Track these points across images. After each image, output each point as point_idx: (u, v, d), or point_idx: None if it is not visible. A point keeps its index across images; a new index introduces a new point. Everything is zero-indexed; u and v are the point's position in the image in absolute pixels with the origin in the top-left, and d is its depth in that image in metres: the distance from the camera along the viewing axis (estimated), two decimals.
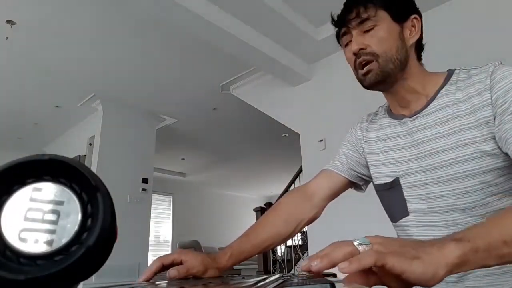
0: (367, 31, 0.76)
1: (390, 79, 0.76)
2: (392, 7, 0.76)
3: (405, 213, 0.79)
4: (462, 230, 0.50)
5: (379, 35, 0.75)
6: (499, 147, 0.67)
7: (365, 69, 0.76)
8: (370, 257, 0.40)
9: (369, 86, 0.78)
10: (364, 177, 0.92)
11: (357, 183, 0.93)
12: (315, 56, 3.71)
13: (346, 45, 0.81)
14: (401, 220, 0.80)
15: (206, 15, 2.77)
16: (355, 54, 0.77)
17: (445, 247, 0.44)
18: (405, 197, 0.78)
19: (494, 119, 0.67)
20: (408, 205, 0.78)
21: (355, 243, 0.44)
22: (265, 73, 3.99)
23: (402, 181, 0.79)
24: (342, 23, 0.79)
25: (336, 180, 0.91)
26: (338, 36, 0.84)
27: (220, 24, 2.88)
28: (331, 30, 0.85)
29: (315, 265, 0.41)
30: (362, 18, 0.75)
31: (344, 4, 0.79)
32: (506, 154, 0.66)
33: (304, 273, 0.45)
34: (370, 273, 0.43)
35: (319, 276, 0.43)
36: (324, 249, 0.45)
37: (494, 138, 0.67)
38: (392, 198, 0.81)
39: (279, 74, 3.75)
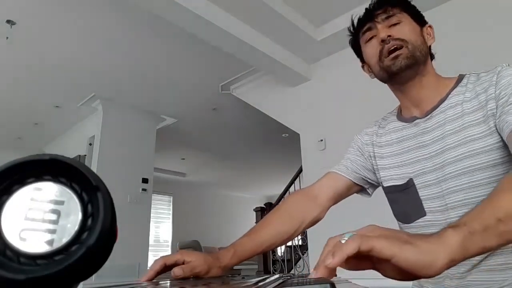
0: (393, 25, 0.80)
1: (416, 67, 0.79)
2: (414, 12, 0.84)
3: (422, 213, 0.79)
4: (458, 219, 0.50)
5: (405, 28, 0.80)
6: (501, 138, 0.69)
7: (395, 53, 0.78)
8: (353, 243, 0.39)
9: (397, 72, 0.78)
10: (369, 180, 0.92)
11: (362, 186, 0.93)
12: (315, 56, 3.71)
13: (369, 40, 0.84)
14: (417, 221, 0.80)
15: (206, 15, 2.77)
16: (383, 41, 0.79)
17: (443, 235, 0.43)
18: (421, 197, 0.79)
19: (496, 110, 0.69)
20: (424, 205, 0.79)
21: (343, 241, 0.42)
22: (265, 73, 3.99)
23: (416, 181, 0.80)
24: (368, 18, 0.83)
25: (340, 182, 0.91)
26: (356, 36, 0.88)
27: (220, 24, 2.88)
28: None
29: (314, 275, 0.42)
30: (389, 14, 0.81)
31: (370, 4, 0.85)
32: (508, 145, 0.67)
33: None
34: (363, 258, 0.42)
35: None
36: (323, 249, 0.45)
37: (497, 129, 0.69)
38: (406, 199, 0.82)
39: (279, 74, 3.75)
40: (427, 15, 0.86)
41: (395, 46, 0.78)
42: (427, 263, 0.40)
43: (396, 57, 0.77)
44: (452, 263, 0.42)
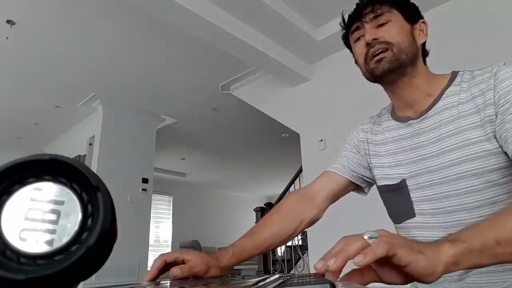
0: (381, 25, 0.78)
1: (401, 70, 0.77)
2: (404, 8, 0.81)
3: (411, 215, 0.79)
4: (458, 231, 0.51)
5: (392, 29, 0.78)
6: (500, 146, 0.68)
7: (379, 56, 0.76)
8: (383, 247, 0.42)
9: (380, 75, 0.77)
10: (365, 179, 0.92)
11: (359, 184, 0.93)
12: (315, 56, 3.71)
13: (357, 40, 0.83)
14: (406, 222, 0.80)
15: (206, 15, 2.77)
16: (368, 44, 0.78)
17: (440, 247, 0.46)
18: (412, 199, 0.79)
19: (496, 118, 0.68)
20: (415, 207, 0.78)
21: (365, 237, 0.44)
22: (265, 73, 3.99)
23: (408, 182, 0.79)
24: (356, 17, 0.82)
25: (337, 181, 0.91)
26: (347, 34, 0.86)
27: (220, 24, 2.88)
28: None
29: (332, 264, 0.42)
30: (377, 13, 0.79)
31: (359, 2, 0.82)
32: (506, 154, 0.66)
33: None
34: (367, 270, 0.44)
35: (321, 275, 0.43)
36: (335, 246, 0.45)
37: (496, 137, 0.68)
38: (398, 199, 0.81)
39: (279, 74, 3.75)
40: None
41: (380, 50, 0.77)
42: (431, 271, 0.44)
43: (380, 60, 0.76)
44: (445, 272, 0.46)
